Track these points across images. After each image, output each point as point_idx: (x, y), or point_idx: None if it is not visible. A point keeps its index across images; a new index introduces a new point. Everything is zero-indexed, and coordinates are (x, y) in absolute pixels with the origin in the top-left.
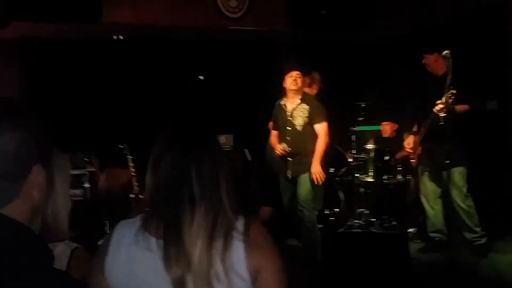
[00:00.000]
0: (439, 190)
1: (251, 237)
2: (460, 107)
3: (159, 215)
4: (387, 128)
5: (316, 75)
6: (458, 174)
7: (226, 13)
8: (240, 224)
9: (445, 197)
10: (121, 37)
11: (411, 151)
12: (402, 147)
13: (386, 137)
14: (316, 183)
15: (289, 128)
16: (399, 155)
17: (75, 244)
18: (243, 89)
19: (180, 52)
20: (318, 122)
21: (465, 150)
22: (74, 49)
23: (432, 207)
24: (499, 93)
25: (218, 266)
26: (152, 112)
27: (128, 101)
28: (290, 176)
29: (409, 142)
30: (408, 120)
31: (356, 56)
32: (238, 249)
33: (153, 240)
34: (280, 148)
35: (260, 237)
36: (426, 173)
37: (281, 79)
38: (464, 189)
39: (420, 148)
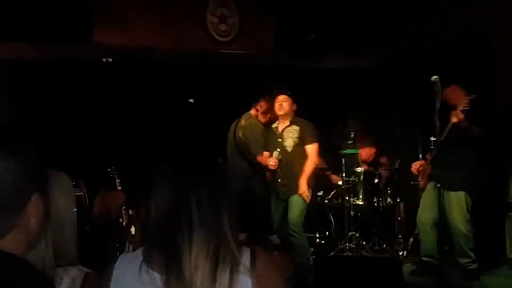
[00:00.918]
0: (438, 215)
1: (258, 270)
2: (475, 127)
3: (159, 248)
4: (363, 154)
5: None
6: (463, 198)
7: (216, 36)
8: (245, 257)
9: (441, 222)
10: (110, 60)
11: (417, 173)
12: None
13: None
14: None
15: (279, 150)
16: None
17: (87, 269)
18: (231, 112)
19: (169, 74)
20: (310, 143)
21: (470, 173)
22: (63, 69)
23: (428, 231)
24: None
25: None
26: (141, 135)
27: (117, 123)
28: (281, 197)
29: (415, 164)
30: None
31: (344, 80)
32: (245, 285)
33: (157, 276)
34: (271, 160)
35: (267, 270)
36: (429, 196)
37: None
38: (468, 214)
39: (429, 172)
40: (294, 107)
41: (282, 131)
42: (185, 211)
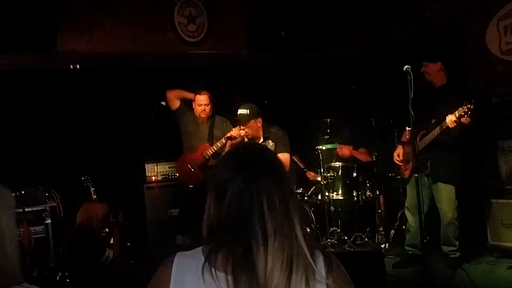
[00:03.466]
0: (425, 205)
1: (335, 280)
2: (466, 120)
3: (226, 249)
4: (343, 151)
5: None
6: (453, 188)
7: (186, 37)
8: (320, 264)
9: (427, 211)
10: (77, 66)
11: (401, 163)
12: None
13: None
14: None
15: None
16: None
17: (34, 287)
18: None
19: (140, 79)
20: (280, 152)
21: (459, 165)
22: (29, 79)
23: (416, 221)
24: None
25: None
26: (113, 142)
27: (88, 131)
28: None
29: (398, 153)
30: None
31: (317, 76)
32: None
33: (222, 276)
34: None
35: (343, 279)
36: (415, 186)
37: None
38: (456, 203)
39: (413, 164)
40: (260, 123)
41: None
42: (258, 216)
